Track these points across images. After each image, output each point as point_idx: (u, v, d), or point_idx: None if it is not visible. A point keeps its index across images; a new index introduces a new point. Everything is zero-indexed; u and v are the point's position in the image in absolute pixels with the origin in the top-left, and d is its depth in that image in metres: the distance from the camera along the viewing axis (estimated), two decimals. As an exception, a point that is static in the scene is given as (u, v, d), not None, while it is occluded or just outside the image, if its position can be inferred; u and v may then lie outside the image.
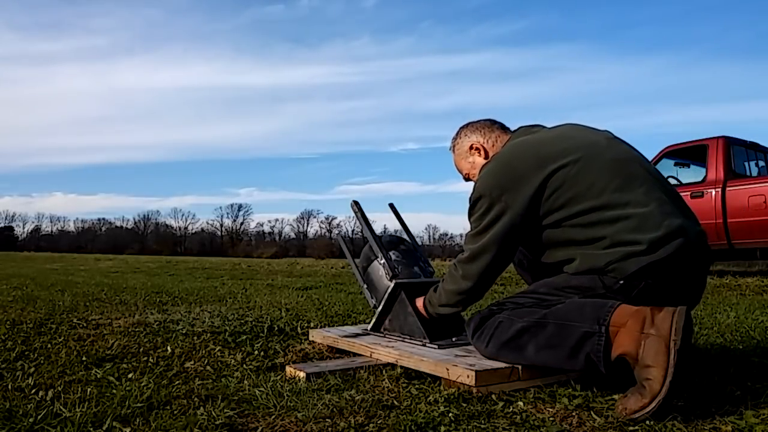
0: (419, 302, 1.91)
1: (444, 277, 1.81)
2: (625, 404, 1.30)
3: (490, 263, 1.66)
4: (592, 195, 1.55)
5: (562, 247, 1.61)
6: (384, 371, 1.72)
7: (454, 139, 1.98)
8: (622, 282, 1.49)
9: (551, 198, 1.58)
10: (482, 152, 1.89)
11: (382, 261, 2.03)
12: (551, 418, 1.31)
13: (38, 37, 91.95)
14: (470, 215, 1.71)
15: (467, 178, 1.96)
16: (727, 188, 6.59)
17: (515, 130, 1.88)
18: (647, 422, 1.26)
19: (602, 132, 1.76)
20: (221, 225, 71.83)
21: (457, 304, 1.78)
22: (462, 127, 1.97)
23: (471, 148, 1.90)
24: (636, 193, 1.56)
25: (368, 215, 2.17)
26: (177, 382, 1.66)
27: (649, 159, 1.81)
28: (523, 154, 1.66)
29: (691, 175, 7.17)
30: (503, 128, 1.92)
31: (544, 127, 1.84)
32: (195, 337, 2.37)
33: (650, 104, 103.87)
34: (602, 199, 1.55)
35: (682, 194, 1.70)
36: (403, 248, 2.15)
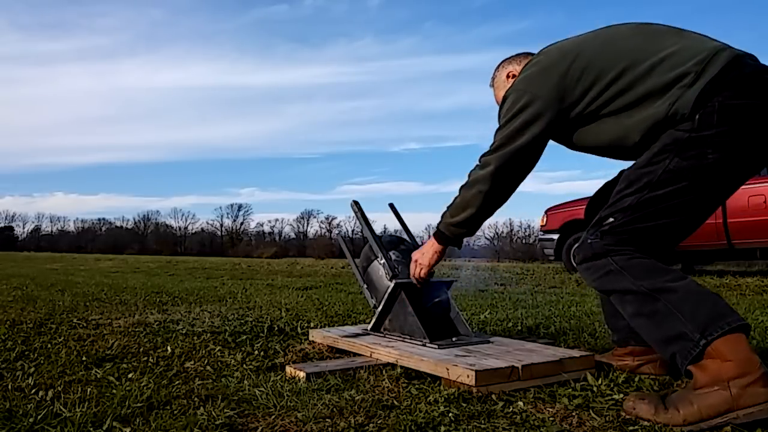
0: (430, 242, 1.87)
1: (461, 185, 1.74)
2: (636, 406, 1.32)
3: (516, 152, 1.60)
4: (620, 58, 1.50)
5: (611, 121, 1.52)
6: (384, 371, 1.72)
7: (493, 74, 1.99)
8: (690, 118, 1.38)
9: (581, 79, 1.53)
10: None
11: (382, 261, 2.03)
12: (551, 418, 1.32)
13: (41, 36, 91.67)
14: (499, 114, 1.68)
15: None
16: (727, 188, 6.58)
17: None
18: (647, 422, 1.27)
19: None
20: (221, 225, 71.60)
21: (474, 207, 1.68)
22: (500, 63, 1.99)
23: (507, 76, 1.92)
24: (663, 39, 1.50)
25: (368, 215, 2.18)
26: (177, 382, 1.67)
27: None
28: (551, 54, 1.65)
29: (691, 175, 7.15)
30: None
31: None
32: (195, 337, 2.37)
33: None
34: (629, 57, 1.49)
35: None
36: (403, 248, 2.15)
